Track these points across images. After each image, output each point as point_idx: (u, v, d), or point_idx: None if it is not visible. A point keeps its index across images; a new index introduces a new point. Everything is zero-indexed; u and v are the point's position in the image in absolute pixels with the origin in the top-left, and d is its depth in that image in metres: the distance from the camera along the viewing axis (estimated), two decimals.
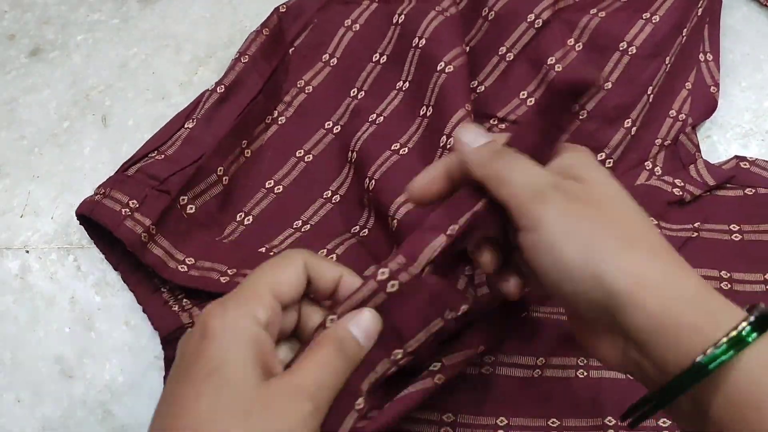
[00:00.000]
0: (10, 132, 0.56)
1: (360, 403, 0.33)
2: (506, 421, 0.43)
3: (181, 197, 0.48)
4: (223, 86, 0.52)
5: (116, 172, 0.49)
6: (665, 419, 0.43)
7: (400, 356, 0.34)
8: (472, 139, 0.33)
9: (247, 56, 0.53)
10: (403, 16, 0.55)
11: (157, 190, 0.47)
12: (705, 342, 0.27)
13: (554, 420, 0.43)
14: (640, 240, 0.30)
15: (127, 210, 0.46)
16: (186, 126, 0.51)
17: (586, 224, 0.29)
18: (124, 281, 0.49)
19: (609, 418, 0.43)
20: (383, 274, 0.33)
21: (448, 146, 0.48)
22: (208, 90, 0.52)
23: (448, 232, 0.33)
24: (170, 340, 0.46)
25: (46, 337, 0.49)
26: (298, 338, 0.34)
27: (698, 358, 0.26)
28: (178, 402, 0.28)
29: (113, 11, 0.62)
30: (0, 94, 0.58)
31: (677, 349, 0.27)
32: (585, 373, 0.45)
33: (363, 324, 0.32)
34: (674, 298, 0.28)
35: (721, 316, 0.27)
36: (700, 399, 0.28)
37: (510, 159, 0.32)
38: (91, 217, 0.46)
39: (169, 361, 0.46)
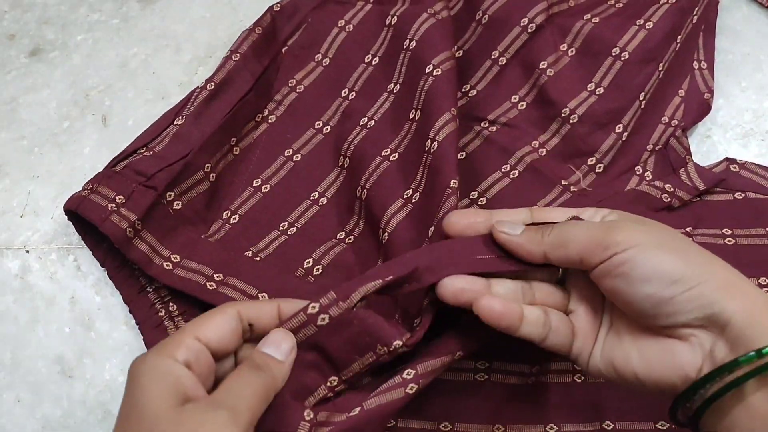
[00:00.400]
0: (10, 132, 0.57)
1: (309, 413, 0.34)
2: (503, 428, 0.43)
3: (168, 193, 0.48)
4: (213, 83, 0.52)
5: (104, 168, 0.49)
6: (663, 422, 0.43)
7: (336, 383, 0.36)
8: (511, 228, 0.37)
9: (238, 54, 0.53)
10: (396, 18, 0.55)
11: (144, 186, 0.47)
12: None
13: (552, 425, 0.43)
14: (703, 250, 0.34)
15: (114, 205, 0.46)
16: (175, 123, 0.51)
17: (667, 236, 0.34)
18: (110, 278, 0.49)
19: (607, 422, 0.43)
20: (313, 308, 0.35)
21: (432, 150, 0.47)
22: (198, 87, 0.52)
23: (387, 279, 0.35)
24: None
25: (46, 337, 0.49)
26: None
27: None
28: None
29: (113, 11, 0.62)
30: (0, 94, 0.58)
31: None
32: (582, 377, 0.45)
33: (274, 341, 0.35)
34: (759, 294, 0.32)
35: None
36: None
37: (558, 226, 0.36)
38: (78, 212, 0.46)
39: None
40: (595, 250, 0.33)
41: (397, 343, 0.35)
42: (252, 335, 0.36)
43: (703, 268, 0.32)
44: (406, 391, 0.36)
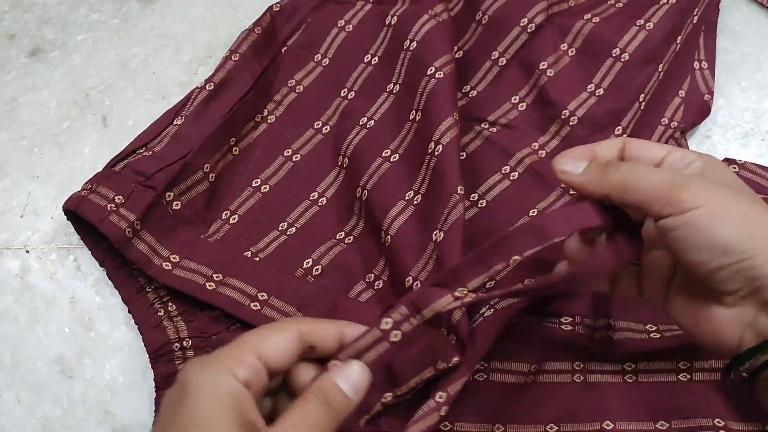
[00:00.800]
0: (10, 132, 0.57)
1: None
2: (503, 428, 0.43)
3: (167, 193, 0.48)
4: (212, 83, 0.52)
5: (103, 168, 0.49)
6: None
7: (390, 399, 0.37)
8: (573, 166, 0.35)
9: (237, 54, 0.53)
10: (395, 18, 0.55)
11: (143, 186, 0.47)
12: None
13: (552, 425, 0.43)
14: None
15: (113, 205, 0.46)
16: (175, 123, 0.51)
17: (728, 205, 0.32)
18: (110, 278, 0.49)
19: (607, 422, 0.43)
20: (387, 323, 0.34)
21: (436, 153, 0.47)
22: (197, 87, 0.52)
23: (456, 294, 0.34)
24: (158, 357, 0.46)
25: (46, 337, 0.49)
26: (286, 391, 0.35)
27: None
28: None
29: (113, 11, 0.62)
30: (0, 94, 0.58)
31: None
32: (582, 378, 0.45)
33: (352, 378, 0.33)
34: None
35: None
36: None
37: (624, 168, 0.34)
38: (77, 212, 0.46)
39: (162, 380, 0.46)
40: (656, 204, 0.32)
41: (456, 359, 0.35)
42: (309, 354, 0.34)
43: (762, 241, 0.31)
44: (440, 414, 0.36)
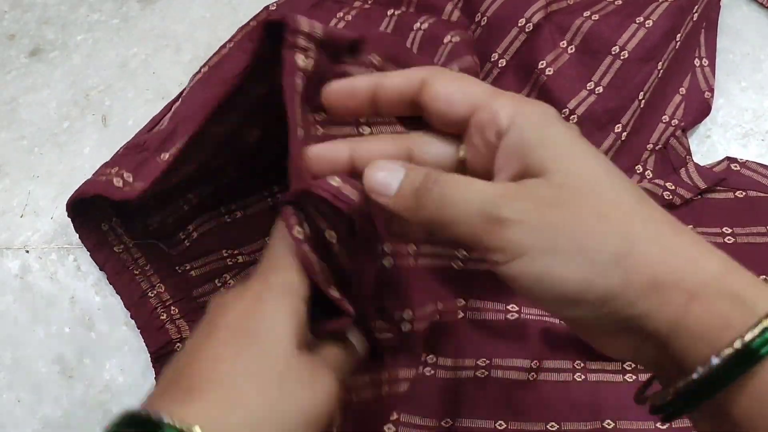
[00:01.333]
0: (10, 132, 0.56)
1: None
2: (504, 425, 0.43)
3: (163, 154, 0.44)
4: (207, 67, 0.52)
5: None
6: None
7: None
8: (384, 182, 0.29)
9: (233, 42, 0.54)
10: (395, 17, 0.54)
11: (138, 153, 0.45)
12: (736, 333, 0.24)
13: (553, 423, 0.44)
14: (636, 228, 0.26)
15: (109, 176, 0.45)
16: (173, 109, 0.51)
17: (563, 239, 0.25)
18: (110, 283, 0.49)
19: (608, 421, 0.43)
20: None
21: None
22: (193, 74, 0.53)
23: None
24: (159, 357, 0.46)
25: (46, 337, 0.49)
26: None
27: (746, 337, 0.23)
28: (211, 356, 0.28)
29: (113, 11, 0.62)
30: (0, 94, 0.58)
31: (708, 345, 0.24)
32: (582, 377, 0.45)
33: None
34: (693, 291, 0.25)
35: (752, 301, 0.25)
36: (723, 397, 0.25)
37: (438, 192, 0.28)
38: (81, 196, 0.45)
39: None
40: (473, 246, 0.27)
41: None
42: None
43: (614, 269, 0.25)
44: None
